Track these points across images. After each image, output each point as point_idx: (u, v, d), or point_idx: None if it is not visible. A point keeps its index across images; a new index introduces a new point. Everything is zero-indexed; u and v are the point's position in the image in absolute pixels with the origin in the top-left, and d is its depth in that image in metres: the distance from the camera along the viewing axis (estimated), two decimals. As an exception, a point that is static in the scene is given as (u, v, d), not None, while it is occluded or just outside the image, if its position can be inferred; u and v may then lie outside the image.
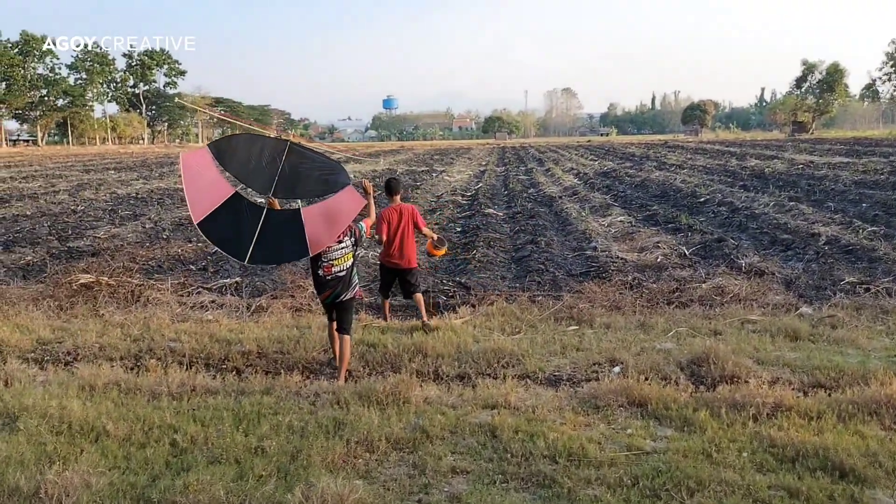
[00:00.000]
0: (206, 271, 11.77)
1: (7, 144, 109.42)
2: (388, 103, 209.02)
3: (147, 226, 16.74)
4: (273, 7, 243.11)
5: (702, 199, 20.71)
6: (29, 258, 12.86)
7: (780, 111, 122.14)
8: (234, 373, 6.83)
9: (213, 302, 9.40)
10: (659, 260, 11.81)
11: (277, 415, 5.55)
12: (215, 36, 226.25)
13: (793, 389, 5.94)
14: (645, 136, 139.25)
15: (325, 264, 6.77)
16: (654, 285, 10.03)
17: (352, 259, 6.93)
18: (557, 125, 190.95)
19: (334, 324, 7.02)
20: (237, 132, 7.53)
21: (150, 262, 12.14)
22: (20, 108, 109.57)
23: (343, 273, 6.84)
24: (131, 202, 23.06)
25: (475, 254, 12.64)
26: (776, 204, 18.71)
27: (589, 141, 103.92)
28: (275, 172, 6.70)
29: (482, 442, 5.04)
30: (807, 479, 4.37)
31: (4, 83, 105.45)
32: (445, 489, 4.39)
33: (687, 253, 12.42)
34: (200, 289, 9.97)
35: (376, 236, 8.26)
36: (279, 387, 6.18)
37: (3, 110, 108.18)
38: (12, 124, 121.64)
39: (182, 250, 13.22)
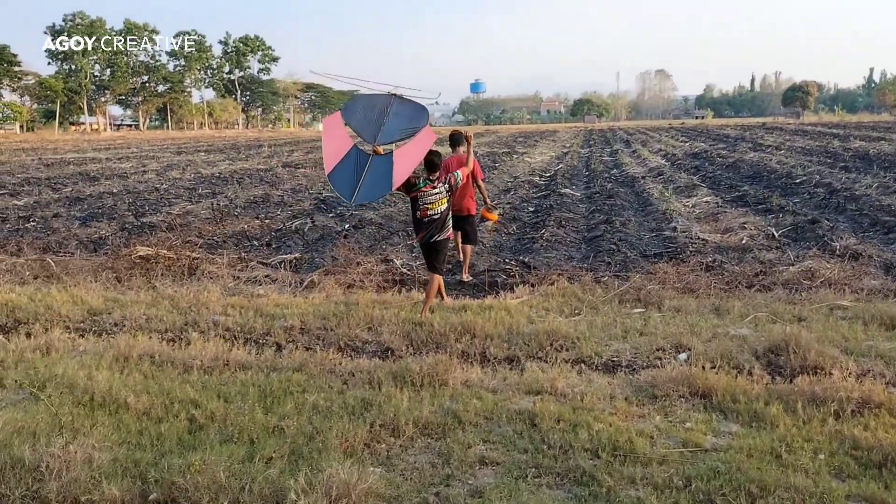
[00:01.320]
0: (269, 247, 11.66)
1: (111, 129, 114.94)
2: (475, 87, 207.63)
3: (221, 203, 16.88)
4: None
5: (797, 181, 19.27)
6: (103, 232, 13.10)
7: (890, 91, 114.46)
8: (274, 348, 6.55)
9: (266, 277, 9.21)
10: (744, 241, 10.90)
11: (305, 393, 5.21)
12: (308, 23, 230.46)
13: (885, 384, 5.14)
14: (743, 118, 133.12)
15: (422, 207, 7.45)
16: (736, 267, 9.21)
17: (446, 204, 7.52)
18: (650, 108, 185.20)
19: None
20: (354, 97, 8.30)
21: (215, 238, 12.13)
22: (123, 93, 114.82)
23: (437, 216, 7.47)
24: (213, 181, 23.47)
25: (543, 233, 12.03)
26: (880, 185, 17.16)
27: (682, 123, 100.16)
28: (381, 123, 7.58)
29: (518, 431, 4.53)
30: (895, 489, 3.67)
31: (109, 70, 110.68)
32: (469, 482, 3.92)
33: (776, 234, 11.44)
34: (256, 263, 9.80)
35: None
36: (314, 363, 5.85)
37: (108, 96, 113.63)
38: (116, 110, 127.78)
39: (249, 226, 13.18)
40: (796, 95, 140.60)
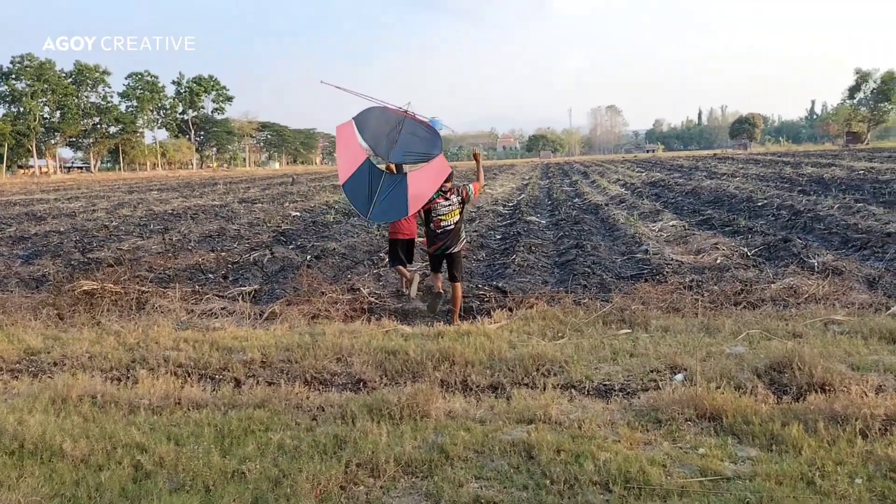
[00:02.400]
0: (225, 280, 11.01)
1: (62, 171, 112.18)
2: (433, 124, 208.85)
3: (174, 238, 16.13)
4: (314, 34, 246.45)
5: (759, 204, 19.30)
6: (46, 270, 12.27)
7: (834, 122, 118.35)
8: (231, 384, 5.92)
9: (223, 309, 8.56)
10: (719, 261, 10.62)
11: (269, 431, 4.61)
12: (259, 64, 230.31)
13: (907, 399, 4.76)
14: (692, 151, 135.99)
15: (435, 218, 7.76)
16: (716, 286, 8.88)
17: (459, 215, 7.88)
18: (602, 143, 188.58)
19: (439, 275, 8.13)
20: (368, 107, 7.99)
21: (166, 272, 11.41)
22: (74, 135, 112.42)
23: (451, 227, 7.81)
24: (165, 218, 22.63)
25: (514, 258, 11.61)
26: (841, 206, 17.21)
27: (635, 156, 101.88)
28: (393, 141, 7.64)
29: (515, 464, 4.01)
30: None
31: (59, 112, 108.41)
32: (465, 526, 3.38)
33: (749, 254, 11.20)
34: (211, 296, 9.15)
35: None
36: (277, 399, 5.25)
37: (58, 138, 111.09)
38: (67, 152, 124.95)
39: (203, 260, 12.50)
40: (743, 128, 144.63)
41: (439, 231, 7.81)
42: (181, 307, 8.66)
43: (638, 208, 19.98)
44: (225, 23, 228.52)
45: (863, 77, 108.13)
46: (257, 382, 5.88)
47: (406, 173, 7.75)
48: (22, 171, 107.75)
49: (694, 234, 13.88)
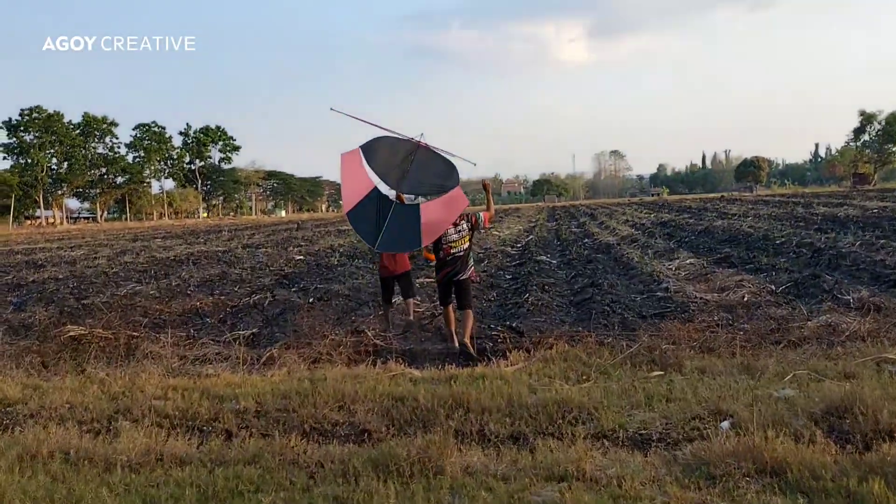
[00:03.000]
0: (223, 324, 10.43)
1: (68, 222, 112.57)
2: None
3: (173, 283, 15.60)
4: (315, 85, 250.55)
5: (777, 242, 18.69)
6: (38, 316, 11.72)
7: (840, 163, 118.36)
8: (221, 436, 5.31)
9: (218, 354, 7.97)
10: (746, 298, 10.00)
11: (259, 492, 3.99)
12: (267, 113, 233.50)
13: None
14: (696, 195, 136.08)
15: (445, 246, 7.79)
16: (747, 325, 8.26)
17: (468, 243, 7.92)
18: (606, 187, 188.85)
19: (448, 307, 8.07)
20: (376, 136, 7.82)
21: (161, 317, 10.85)
22: (81, 186, 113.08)
23: (461, 254, 7.85)
24: (167, 264, 22.15)
25: (527, 297, 11.03)
26: (863, 243, 16.62)
27: (640, 200, 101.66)
28: (405, 171, 7.55)
29: (548, 532, 3.37)
30: None
31: (66, 163, 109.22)
32: None
33: (777, 291, 10.59)
34: (206, 340, 8.57)
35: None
36: (271, 453, 4.63)
37: (65, 189, 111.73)
38: (74, 202, 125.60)
39: (201, 304, 11.93)
40: (748, 171, 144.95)
41: (448, 258, 7.85)
42: (173, 353, 8.07)
43: (651, 247, 19.41)
44: (229, 76, 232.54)
45: (867, 119, 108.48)
46: (250, 434, 5.26)
47: (418, 204, 7.70)
48: (28, 222, 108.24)
49: (714, 271, 13.28)
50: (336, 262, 19.10)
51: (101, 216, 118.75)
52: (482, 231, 8.23)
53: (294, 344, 8.08)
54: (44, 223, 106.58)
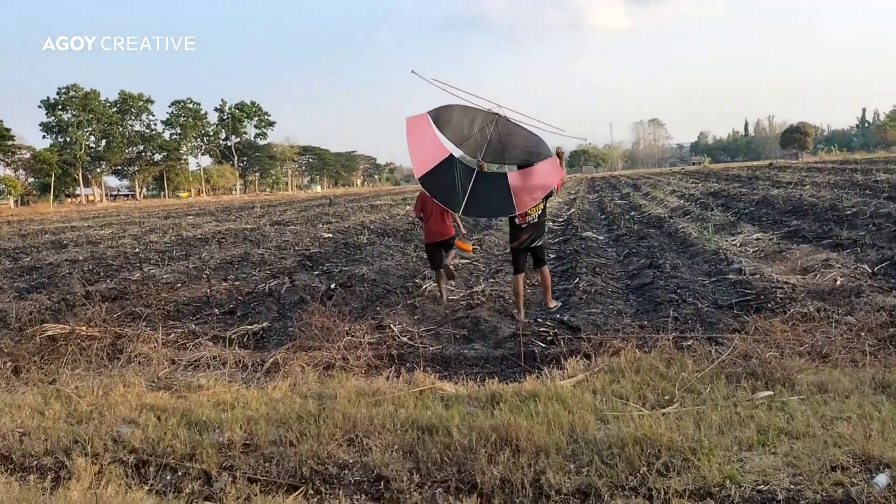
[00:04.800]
0: (232, 315, 9.23)
1: (107, 199, 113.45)
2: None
3: (191, 266, 14.49)
4: (356, 56, 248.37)
5: (847, 213, 16.88)
6: (41, 305, 10.67)
7: (892, 128, 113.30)
8: (198, 481, 4.07)
9: (215, 359, 6.72)
10: (839, 283, 8.45)
11: None
12: (302, 88, 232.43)
13: None
14: (739, 163, 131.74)
15: (520, 214, 7.63)
16: (852, 317, 6.75)
17: (542, 208, 7.85)
18: (645, 157, 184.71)
19: (521, 276, 8.01)
20: (445, 104, 7.74)
21: (167, 306, 9.69)
22: (119, 164, 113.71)
23: (536, 221, 7.82)
24: (191, 243, 21.13)
25: (577, 282, 9.62)
26: (952, 212, 14.81)
27: (683, 169, 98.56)
28: (484, 140, 7.62)
29: None
30: None
31: (104, 141, 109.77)
32: None
33: (872, 272, 9.01)
34: (207, 340, 7.34)
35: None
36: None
37: (104, 167, 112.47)
38: (113, 180, 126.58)
39: (213, 290, 10.74)
40: (794, 137, 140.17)
41: (525, 225, 7.80)
42: (164, 355, 6.86)
43: (708, 220, 17.74)
44: (266, 47, 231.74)
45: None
46: (233, 479, 4.02)
47: (504, 173, 7.67)
48: (69, 199, 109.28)
49: (789, 248, 11.68)
50: (365, 241, 17.82)
51: (139, 193, 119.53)
52: (554, 196, 8.45)
53: (305, 345, 6.79)
54: (84, 201, 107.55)
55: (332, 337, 6.66)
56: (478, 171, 7.53)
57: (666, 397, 4.81)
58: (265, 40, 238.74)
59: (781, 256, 11.13)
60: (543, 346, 6.60)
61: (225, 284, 11.25)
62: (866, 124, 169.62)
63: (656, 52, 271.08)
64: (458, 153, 7.79)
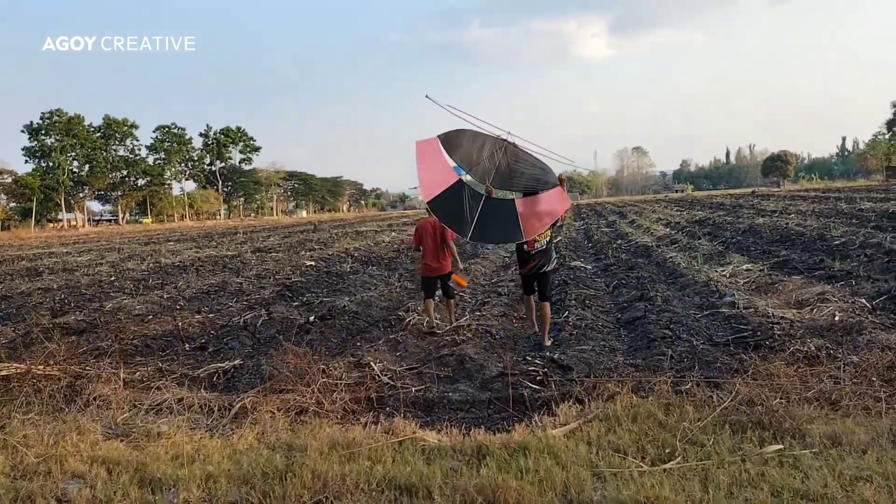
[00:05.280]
0: (203, 351, 8.77)
1: (90, 224, 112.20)
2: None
3: (165, 296, 13.97)
4: (344, 83, 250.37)
5: (836, 243, 16.68)
6: (2, 337, 10.16)
7: (872, 157, 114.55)
8: (147, 551, 3.60)
9: (179, 401, 6.23)
10: (838, 318, 8.13)
11: None
12: (290, 114, 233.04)
13: None
14: (721, 190, 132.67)
15: (529, 241, 7.74)
16: (856, 356, 6.41)
17: (550, 235, 7.96)
18: (629, 184, 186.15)
19: (532, 297, 8.30)
20: (455, 129, 7.79)
21: (134, 341, 9.20)
22: (102, 188, 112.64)
23: (544, 248, 7.90)
24: (169, 271, 20.61)
25: (567, 316, 9.25)
26: (942, 243, 14.62)
27: (667, 196, 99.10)
28: (493, 166, 7.65)
29: None
30: None
31: (87, 166, 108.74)
32: None
33: (871, 307, 8.71)
34: (167, 381, 6.85)
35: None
36: None
37: (86, 192, 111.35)
38: (95, 205, 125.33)
39: (185, 323, 10.27)
40: (775, 165, 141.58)
41: (533, 252, 7.93)
42: (125, 398, 6.38)
43: (696, 249, 17.50)
44: (254, 77, 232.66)
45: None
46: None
47: (513, 199, 7.78)
48: (51, 224, 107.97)
49: (782, 280, 11.39)
50: (348, 269, 17.40)
51: (122, 218, 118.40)
52: (560, 223, 8.73)
53: (277, 387, 6.33)
54: (65, 226, 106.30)
55: (306, 378, 6.22)
56: (486, 196, 7.57)
57: (667, 450, 4.40)
58: (253, 66, 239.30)
59: (774, 289, 10.83)
60: (533, 387, 6.19)
61: (198, 317, 10.77)
62: (846, 153, 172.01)
63: (638, 80, 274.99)
64: (466, 178, 7.86)
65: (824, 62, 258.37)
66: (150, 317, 11.37)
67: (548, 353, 7.12)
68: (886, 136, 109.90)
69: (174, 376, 7.38)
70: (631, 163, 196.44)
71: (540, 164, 7.82)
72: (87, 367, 7.24)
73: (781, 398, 5.14)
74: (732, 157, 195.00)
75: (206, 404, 6.09)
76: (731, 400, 5.08)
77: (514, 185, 7.86)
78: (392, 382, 6.57)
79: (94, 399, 6.40)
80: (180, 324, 10.12)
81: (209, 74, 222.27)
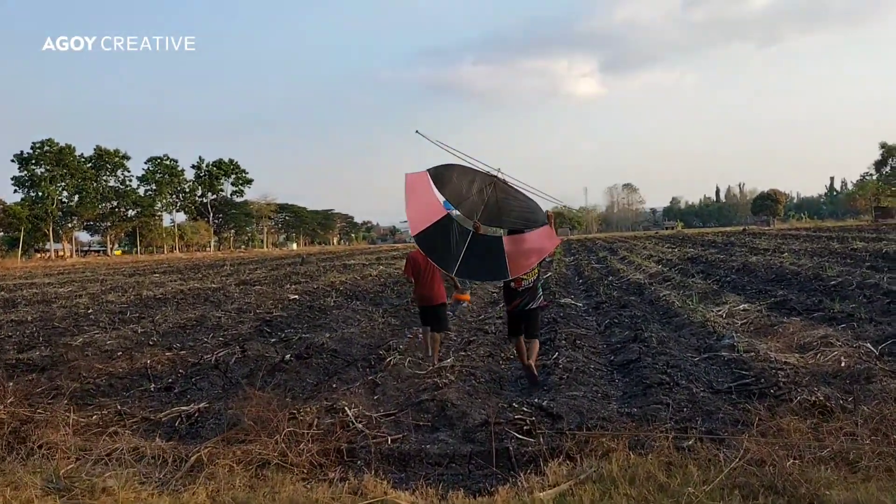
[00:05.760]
0: (169, 391, 8.21)
1: (78, 255, 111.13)
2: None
3: (140, 330, 13.41)
4: (336, 118, 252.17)
5: (832, 283, 16.29)
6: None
7: (861, 197, 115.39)
8: None
9: (133, 451, 5.68)
10: (844, 364, 7.67)
11: None
12: (280, 146, 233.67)
13: None
14: (711, 228, 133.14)
15: (516, 279, 7.64)
16: (866, 407, 5.94)
17: (538, 273, 7.89)
18: (620, 220, 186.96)
19: (519, 337, 8.01)
20: (445, 163, 7.73)
21: (97, 380, 8.64)
22: (91, 219, 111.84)
23: (531, 285, 7.82)
24: (149, 304, 20.00)
25: (556, 357, 8.76)
26: (942, 285, 14.23)
27: (657, 233, 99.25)
28: (482, 202, 7.58)
29: None
30: None
31: (77, 196, 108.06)
32: None
33: (878, 352, 8.26)
34: (117, 429, 6.30)
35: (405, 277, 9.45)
36: None
37: (75, 222, 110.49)
38: (84, 236, 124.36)
39: (155, 361, 9.71)
40: (765, 204, 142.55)
41: (520, 289, 7.84)
42: (74, 445, 5.82)
43: (689, 288, 17.07)
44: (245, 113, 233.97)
45: (889, 151, 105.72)
46: None
47: (500, 236, 7.71)
48: (38, 255, 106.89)
49: (781, 322, 10.94)
50: (332, 304, 16.88)
51: (111, 249, 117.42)
52: (549, 258, 8.23)
53: (239, 436, 5.78)
54: (52, 256, 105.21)
55: (271, 426, 5.68)
56: (473, 232, 7.52)
57: (669, 519, 3.90)
58: (245, 100, 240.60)
59: (774, 331, 10.37)
60: (520, 437, 5.66)
61: (168, 354, 10.20)
62: (834, 193, 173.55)
63: (629, 118, 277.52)
64: (455, 213, 7.83)
65: (812, 103, 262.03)
66: (120, 353, 10.81)
67: (536, 400, 6.59)
68: (874, 177, 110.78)
69: (134, 420, 6.85)
70: (621, 199, 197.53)
71: (531, 202, 7.74)
72: (39, 410, 6.67)
73: (794, 457, 4.65)
74: (722, 196, 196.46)
75: (160, 455, 5.54)
76: (740, 459, 4.58)
77: (502, 222, 7.80)
78: (366, 430, 6.03)
79: (40, 447, 5.84)
80: (148, 361, 9.56)
81: (199, 107, 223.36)
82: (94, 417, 6.82)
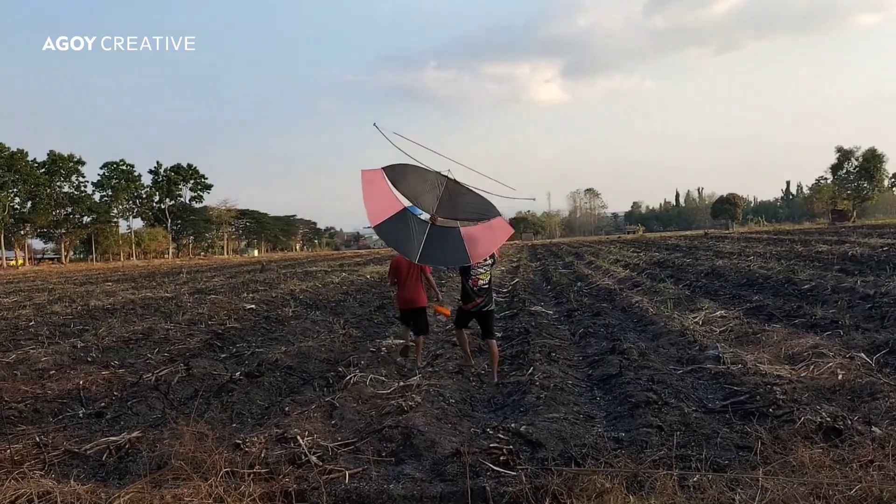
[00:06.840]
0: (100, 419, 7.30)
1: (31, 263, 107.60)
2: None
3: (80, 345, 12.38)
4: (299, 123, 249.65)
5: (806, 287, 15.93)
6: None
7: (818, 200, 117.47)
8: None
9: (44, 495, 4.81)
10: (841, 377, 7.11)
11: None
12: (241, 150, 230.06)
13: None
14: (672, 232, 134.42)
15: (473, 277, 8.18)
16: (876, 429, 5.35)
17: (490, 275, 8.39)
18: (582, 225, 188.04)
19: (465, 330, 8.73)
20: (400, 163, 7.91)
21: (21, 404, 7.69)
22: (45, 226, 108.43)
23: (486, 286, 8.33)
24: (95, 315, 18.85)
25: (532, 373, 8.06)
26: (914, 287, 13.90)
27: (619, 237, 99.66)
28: (436, 196, 7.88)
29: None
30: None
31: (30, 202, 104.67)
32: None
33: (873, 362, 7.73)
34: (28, 469, 5.42)
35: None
36: None
37: (28, 229, 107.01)
38: (38, 243, 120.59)
39: (90, 381, 8.78)
40: (724, 208, 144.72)
41: (476, 289, 8.16)
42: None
43: (660, 293, 16.57)
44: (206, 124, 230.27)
45: (844, 155, 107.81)
46: None
47: (457, 227, 7.88)
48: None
49: (764, 329, 10.42)
50: (290, 314, 15.98)
51: (65, 257, 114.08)
52: (495, 261, 8.42)
53: (168, 476, 4.95)
54: (3, 264, 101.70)
55: (206, 466, 4.86)
56: (430, 224, 7.74)
57: (686, 586, 3.20)
58: (206, 105, 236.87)
59: (756, 339, 9.83)
60: (496, 470, 4.93)
61: (105, 373, 9.27)
62: (790, 196, 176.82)
63: (591, 124, 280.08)
64: (410, 207, 8.00)
65: (768, 108, 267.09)
66: (53, 371, 9.85)
67: (513, 425, 5.87)
68: (829, 181, 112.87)
69: (55, 453, 5.97)
70: (584, 204, 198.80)
71: (483, 200, 7.95)
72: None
73: (820, 497, 3.99)
74: (682, 200, 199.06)
75: (73, 502, 4.68)
76: (757, 502, 3.90)
77: (458, 214, 8.00)
78: (321, 464, 5.25)
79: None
80: (81, 382, 8.63)
81: (160, 113, 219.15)
82: (8, 451, 5.92)
